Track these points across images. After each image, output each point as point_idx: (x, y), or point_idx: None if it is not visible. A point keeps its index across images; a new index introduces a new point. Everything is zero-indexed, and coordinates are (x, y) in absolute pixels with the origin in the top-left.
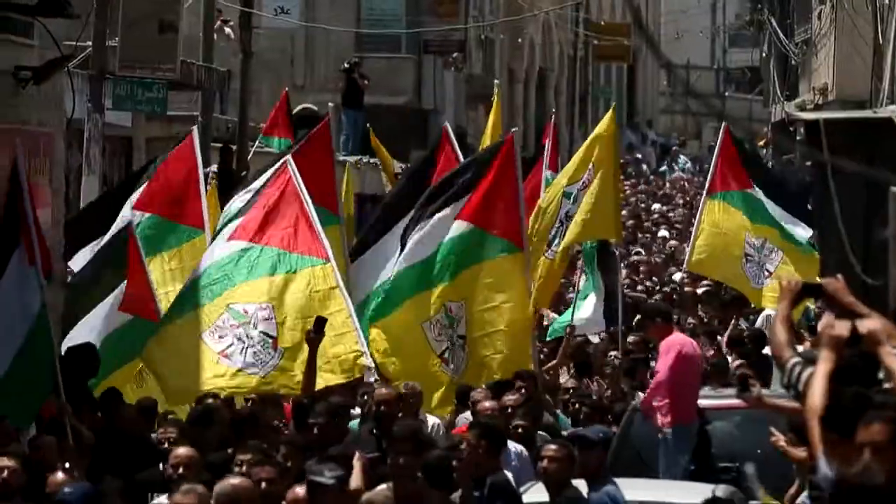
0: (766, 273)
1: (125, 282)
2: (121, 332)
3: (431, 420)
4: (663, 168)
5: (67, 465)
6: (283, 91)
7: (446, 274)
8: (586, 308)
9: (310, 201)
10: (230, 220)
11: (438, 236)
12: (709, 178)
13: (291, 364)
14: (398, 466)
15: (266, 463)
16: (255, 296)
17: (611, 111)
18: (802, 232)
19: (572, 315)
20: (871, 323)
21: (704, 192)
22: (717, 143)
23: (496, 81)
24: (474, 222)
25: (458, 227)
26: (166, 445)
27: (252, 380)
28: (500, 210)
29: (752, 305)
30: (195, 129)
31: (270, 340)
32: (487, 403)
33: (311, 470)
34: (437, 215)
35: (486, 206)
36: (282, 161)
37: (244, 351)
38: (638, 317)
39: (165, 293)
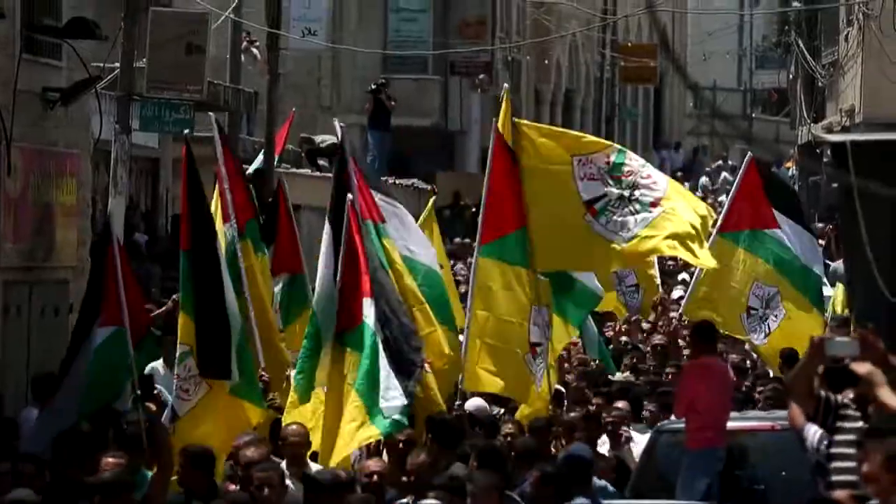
0: (767, 330)
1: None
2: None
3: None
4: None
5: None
6: (291, 112)
7: None
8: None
9: None
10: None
11: None
12: (723, 213)
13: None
14: None
15: None
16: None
17: None
18: (818, 273)
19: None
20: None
21: (714, 229)
22: (739, 176)
23: (505, 86)
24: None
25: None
26: None
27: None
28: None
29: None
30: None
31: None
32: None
33: None
34: None
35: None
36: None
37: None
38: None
39: None
